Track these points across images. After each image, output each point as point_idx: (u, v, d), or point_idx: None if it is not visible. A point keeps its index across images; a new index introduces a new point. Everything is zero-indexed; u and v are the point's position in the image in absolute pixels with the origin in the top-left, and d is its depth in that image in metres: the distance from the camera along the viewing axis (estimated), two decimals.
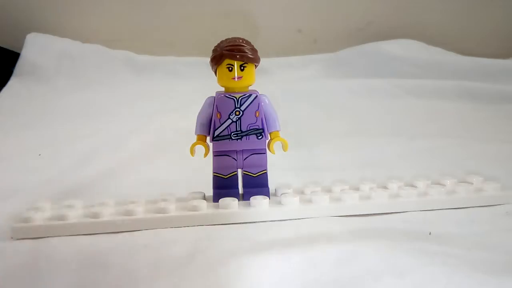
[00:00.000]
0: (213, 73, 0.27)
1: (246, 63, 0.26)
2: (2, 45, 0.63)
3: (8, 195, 0.31)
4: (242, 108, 0.27)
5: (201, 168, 0.30)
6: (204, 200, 0.27)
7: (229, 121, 0.27)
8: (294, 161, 0.39)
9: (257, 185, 0.28)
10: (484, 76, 0.64)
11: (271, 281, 0.20)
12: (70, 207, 0.27)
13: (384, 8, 0.70)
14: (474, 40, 0.71)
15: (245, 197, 0.28)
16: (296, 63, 0.68)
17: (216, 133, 0.27)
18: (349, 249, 0.22)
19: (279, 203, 0.27)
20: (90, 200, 0.28)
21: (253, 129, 0.27)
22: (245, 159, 0.28)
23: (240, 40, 0.27)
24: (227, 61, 0.26)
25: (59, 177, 0.36)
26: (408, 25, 0.70)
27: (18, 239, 0.25)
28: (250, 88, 0.28)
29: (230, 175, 0.28)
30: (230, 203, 0.26)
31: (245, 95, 0.27)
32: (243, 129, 0.27)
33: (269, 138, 0.28)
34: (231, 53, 0.26)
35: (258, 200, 0.27)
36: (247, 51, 0.26)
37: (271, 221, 0.26)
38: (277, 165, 0.31)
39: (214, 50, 0.27)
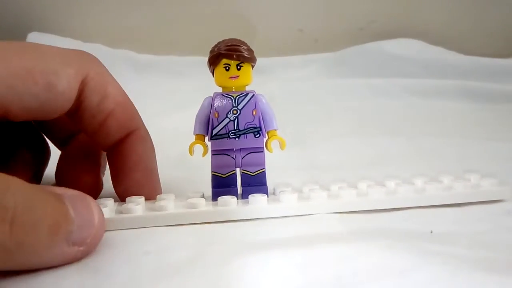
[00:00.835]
0: (211, 73, 0.28)
1: (243, 62, 0.27)
2: None
3: None
4: (239, 107, 0.27)
5: (200, 167, 0.30)
6: (203, 198, 0.27)
7: (227, 119, 0.27)
8: (294, 161, 0.39)
9: (255, 183, 0.28)
10: (485, 75, 0.64)
11: (271, 281, 0.20)
12: None
13: (384, 8, 0.70)
14: (475, 39, 0.71)
15: (244, 195, 0.28)
16: (296, 62, 0.68)
17: (214, 132, 0.28)
18: (349, 247, 0.22)
19: (278, 200, 0.27)
20: None
21: (251, 127, 0.28)
22: (243, 157, 0.28)
23: (237, 41, 0.27)
24: (224, 60, 0.27)
25: None
26: (409, 25, 0.70)
27: None
28: (248, 88, 0.28)
29: (228, 174, 0.28)
30: (229, 201, 0.27)
31: (242, 94, 0.27)
32: (241, 127, 0.27)
33: (267, 136, 0.28)
34: (228, 53, 0.27)
35: (257, 198, 0.27)
36: (243, 51, 0.27)
37: (269, 218, 0.27)
38: (276, 165, 0.31)
39: (212, 51, 0.27)
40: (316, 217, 0.27)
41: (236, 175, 0.28)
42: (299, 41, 0.71)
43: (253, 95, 0.28)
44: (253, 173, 0.28)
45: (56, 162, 0.31)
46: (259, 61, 0.28)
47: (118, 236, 0.25)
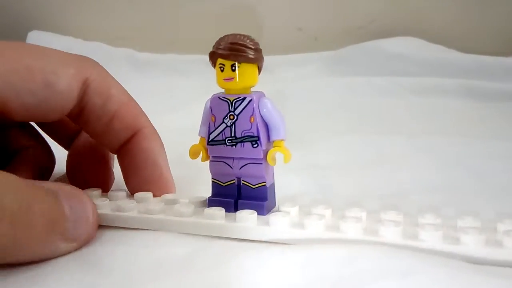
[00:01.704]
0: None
1: (239, 62, 0.23)
2: None
3: None
4: (236, 112, 0.24)
5: (201, 167, 0.30)
6: (192, 205, 0.25)
7: (223, 125, 0.25)
8: (294, 160, 0.39)
9: (255, 197, 0.25)
10: (486, 73, 0.63)
11: (271, 281, 0.20)
12: None
13: (384, 6, 0.70)
14: (476, 37, 0.71)
15: (239, 208, 0.25)
16: (296, 61, 0.68)
17: (211, 137, 0.25)
18: (351, 248, 0.22)
19: (267, 222, 0.23)
20: None
21: (248, 136, 0.24)
22: (241, 167, 0.25)
23: (239, 37, 0.23)
24: (219, 60, 0.24)
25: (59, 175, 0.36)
26: (409, 23, 0.70)
27: None
28: (253, 89, 0.25)
29: (228, 183, 0.26)
30: (215, 213, 0.24)
31: (239, 97, 0.24)
32: (238, 135, 0.24)
33: (270, 147, 0.25)
34: (222, 52, 0.23)
35: (244, 215, 0.23)
36: (241, 49, 0.23)
37: (256, 241, 0.23)
38: (277, 164, 0.31)
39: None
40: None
41: (236, 186, 0.26)
42: (299, 40, 0.71)
43: (251, 100, 0.24)
44: (253, 185, 0.25)
45: (65, 161, 0.31)
46: None
47: (118, 232, 0.25)
